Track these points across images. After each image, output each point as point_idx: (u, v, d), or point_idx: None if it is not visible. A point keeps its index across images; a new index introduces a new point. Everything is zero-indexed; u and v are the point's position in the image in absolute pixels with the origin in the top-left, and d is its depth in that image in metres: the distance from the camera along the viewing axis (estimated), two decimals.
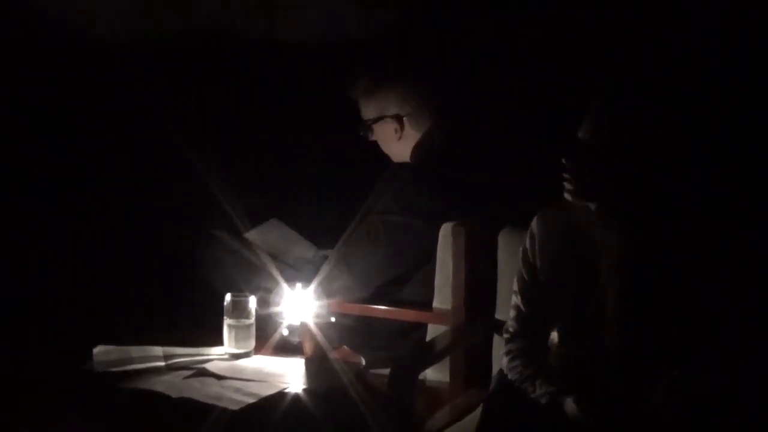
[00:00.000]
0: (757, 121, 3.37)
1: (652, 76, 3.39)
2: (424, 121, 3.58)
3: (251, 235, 3.70)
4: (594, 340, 2.70)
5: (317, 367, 2.95)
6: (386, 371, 2.91)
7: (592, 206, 2.68)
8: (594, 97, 2.67)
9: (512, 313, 2.87)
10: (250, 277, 3.57)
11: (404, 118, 3.56)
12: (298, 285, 3.27)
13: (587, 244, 2.72)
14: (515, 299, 2.87)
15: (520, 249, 2.87)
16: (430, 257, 3.42)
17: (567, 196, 2.68)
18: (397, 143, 3.61)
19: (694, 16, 3.52)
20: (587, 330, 2.71)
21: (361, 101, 3.62)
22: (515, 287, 2.87)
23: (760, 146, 3.37)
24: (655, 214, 2.67)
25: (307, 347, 3.03)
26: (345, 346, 3.13)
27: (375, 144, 3.69)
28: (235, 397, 2.76)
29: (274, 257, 3.66)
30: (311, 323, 3.04)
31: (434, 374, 3.35)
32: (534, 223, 2.85)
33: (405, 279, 3.52)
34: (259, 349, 3.15)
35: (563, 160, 2.65)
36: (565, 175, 2.66)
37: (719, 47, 3.46)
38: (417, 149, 3.58)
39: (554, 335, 2.83)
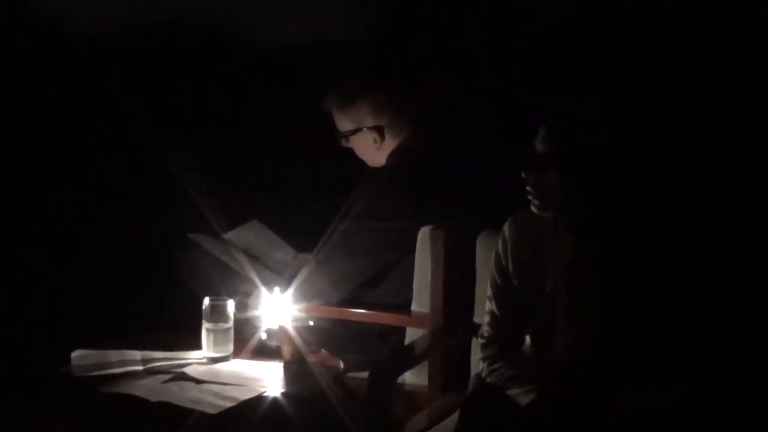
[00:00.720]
0: (720, 128, 3.39)
1: (605, 85, 3.42)
2: (402, 129, 3.57)
3: (230, 235, 3.70)
4: (560, 345, 2.71)
5: (296, 371, 2.95)
6: (365, 375, 2.91)
7: (559, 217, 2.70)
8: (548, 107, 2.69)
9: (487, 318, 2.88)
10: (229, 280, 3.57)
11: (384, 129, 3.56)
12: (277, 289, 3.27)
13: (551, 250, 2.74)
14: (489, 304, 2.88)
15: (493, 254, 2.88)
16: (405, 260, 3.43)
17: (533, 209, 2.70)
18: (376, 152, 3.60)
19: (655, 22, 3.54)
20: (552, 336, 2.72)
21: (335, 115, 3.61)
22: (489, 292, 2.89)
23: (721, 154, 3.38)
24: (614, 221, 2.69)
25: (286, 351, 3.04)
26: (323, 350, 3.13)
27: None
28: (214, 401, 2.76)
29: (253, 259, 3.67)
30: (290, 327, 3.05)
31: (413, 378, 3.35)
32: (505, 228, 2.86)
33: (377, 280, 3.52)
34: (237, 352, 3.15)
35: (522, 174, 2.67)
36: (528, 188, 2.67)
37: (679, 51, 3.47)
38: (394, 154, 3.58)
39: (527, 342, 2.84)
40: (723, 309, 2.87)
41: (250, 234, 3.70)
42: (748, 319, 3.08)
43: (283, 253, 3.75)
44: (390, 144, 3.58)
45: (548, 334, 2.76)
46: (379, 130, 3.56)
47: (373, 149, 3.59)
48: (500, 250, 2.84)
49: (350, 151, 3.67)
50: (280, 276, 3.63)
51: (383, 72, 3.72)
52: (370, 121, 3.56)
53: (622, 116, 2.72)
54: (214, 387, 2.87)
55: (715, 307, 2.79)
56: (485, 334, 2.86)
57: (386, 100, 3.56)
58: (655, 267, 2.65)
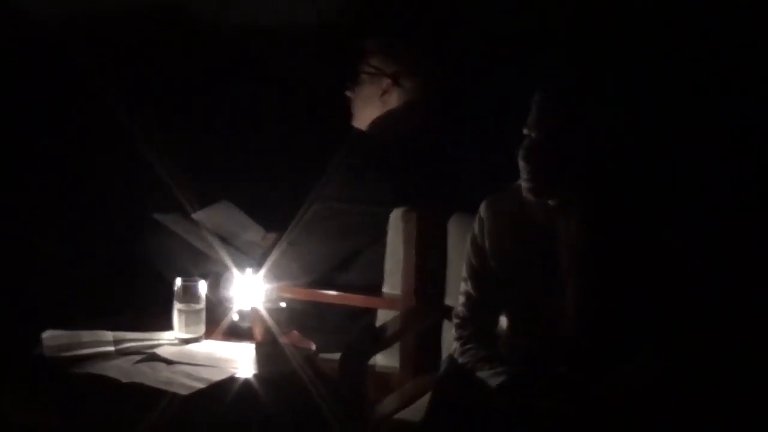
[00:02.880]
0: (713, 112, 3.40)
1: (594, 68, 3.43)
2: (407, 98, 3.61)
3: (199, 215, 3.69)
4: (545, 328, 2.72)
5: (267, 352, 2.94)
6: (337, 356, 2.92)
7: (552, 202, 2.70)
8: (542, 89, 2.69)
9: (462, 299, 2.88)
10: (198, 261, 3.56)
11: (397, 84, 3.59)
12: (248, 270, 3.27)
13: (542, 233, 2.73)
14: (465, 285, 2.88)
15: (470, 235, 2.89)
16: (376, 242, 3.43)
17: (526, 194, 2.70)
18: (375, 105, 3.63)
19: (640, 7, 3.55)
20: (538, 318, 2.73)
21: (371, 51, 3.66)
22: (464, 273, 2.89)
23: (718, 139, 3.39)
24: (616, 207, 2.70)
25: (258, 332, 3.03)
26: (295, 331, 3.13)
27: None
28: (185, 382, 2.75)
29: (223, 240, 3.66)
30: (261, 308, 3.05)
31: (384, 360, 3.36)
32: (482, 208, 2.86)
33: (348, 263, 3.53)
34: (209, 334, 3.15)
35: (518, 160, 2.67)
36: (523, 174, 2.67)
37: (662, 35, 3.48)
38: (383, 124, 3.60)
39: (503, 322, 2.85)
40: (712, 302, 2.90)
41: (219, 214, 3.70)
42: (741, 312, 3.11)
43: (253, 233, 3.75)
44: (390, 105, 3.62)
45: (527, 316, 2.77)
46: (394, 82, 3.60)
47: (375, 99, 3.63)
48: (476, 231, 2.84)
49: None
50: (250, 257, 3.63)
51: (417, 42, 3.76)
52: (391, 70, 3.60)
53: (618, 103, 2.74)
54: (185, 368, 2.86)
55: (705, 299, 2.81)
56: (460, 315, 2.86)
57: (415, 60, 3.64)
58: (642, 253, 2.67)
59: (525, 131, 2.66)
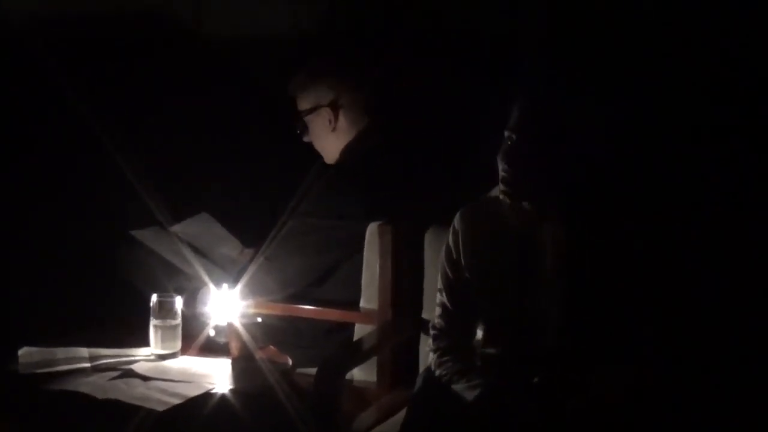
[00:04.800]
0: (695, 114, 3.41)
1: (574, 70, 3.44)
2: (358, 115, 3.59)
3: (177, 228, 3.68)
4: (520, 338, 2.72)
5: (244, 367, 2.95)
6: (313, 371, 2.92)
7: (527, 205, 2.71)
8: (518, 95, 2.70)
9: (438, 311, 2.88)
10: (174, 276, 3.56)
11: (339, 110, 3.58)
12: (225, 285, 3.27)
13: (516, 242, 2.74)
14: (440, 297, 2.88)
15: (444, 246, 2.89)
16: (353, 257, 3.44)
17: (502, 197, 2.70)
18: (331, 137, 3.61)
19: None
20: (513, 328, 2.74)
21: (298, 96, 3.63)
22: (440, 284, 2.89)
23: (699, 143, 3.40)
24: (592, 212, 2.71)
25: (234, 347, 3.03)
26: (272, 346, 3.13)
27: (303, 143, 3.69)
28: (161, 398, 2.76)
29: (199, 254, 3.65)
30: (238, 323, 3.05)
31: (361, 374, 3.35)
32: (456, 219, 2.86)
33: (324, 278, 3.53)
34: (185, 349, 3.15)
35: (498, 161, 2.68)
36: (502, 176, 2.68)
37: (646, 38, 3.50)
38: (348, 148, 3.59)
39: (479, 334, 2.85)
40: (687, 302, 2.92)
41: (197, 227, 3.69)
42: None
43: (230, 247, 3.74)
44: (345, 130, 3.59)
45: (502, 326, 2.77)
46: (334, 108, 3.57)
47: (328, 131, 3.60)
48: (451, 242, 2.84)
49: (301, 146, 3.68)
50: (226, 272, 3.62)
51: (342, 54, 3.74)
52: (326, 99, 3.58)
53: (598, 107, 2.75)
54: (161, 384, 2.86)
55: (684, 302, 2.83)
56: (436, 326, 2.86)
57: (345, 79, 3.59)
58: (619, 261, 2.68)
59: (506, 133, 2.67)
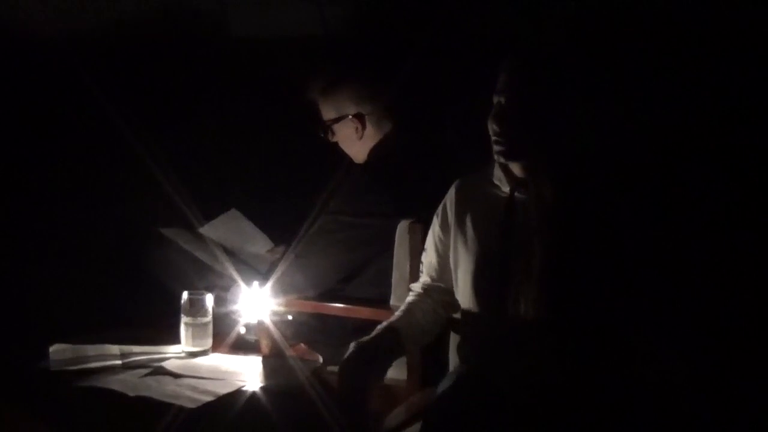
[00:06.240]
0: (686, 85, 3.40)
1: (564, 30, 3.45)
2: (385, 120, 3.58)
3: (205, 230, 3.69)
4: (503, 309, 2.72)
5: (274, 365, 2.95)
6: None
7: (522, 164, 2.72)
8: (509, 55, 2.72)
9: (422, 268, 3.02)
10: (205, 275, 3.56)
11: (365, 117, 3.57)
12: (255, 283, 3.27)
13: (506, 213, 2.75)
14: (425, 256, 3.00)
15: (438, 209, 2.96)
16: (383, 255, 3.43)
17: (498, 158, 2.73)
18: (359, 143, 3.60)
19: None
20: (496, 299, 2.74)
21: (320, 102, 3.62)
22: (426, 243, 2.99)
23: (689, 114, 3.39)
24: (583, 176, 2.73)
25: (264, 345, 3.03)
26: (302, 344, 3.13)
27: (331, 142, 3.69)
28: (192, 396, 2.75)
29: (229, 253, 3.66)
30: (268, 321, 3.05)
31: (391, 372, 3.34)
32: (453, 187, 2.94)
33: (354, 275, 3.52)
34: (216, 347, 3.15)
35: (488, 126, 2.70)
36: (494, 138, 2.70)
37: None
38: (376, 149, 3.59)
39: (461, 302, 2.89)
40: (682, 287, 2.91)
41: (226, 225, 3.69)
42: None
43: (260, 245, 3.75)
44: (372, 135, 3.58)
45: (498, 298, 2.76)
46: (360, 118, 3.56)
47: (355, 139, 3.60)
48: (447, 204, 2.94)
49: (329, 144, 3.67)
50: (256, 270, 3.62)
51: (364, 61, 3.73)
52: (352, 109, 3.56)
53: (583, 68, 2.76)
54: (192, 381, 2.86)
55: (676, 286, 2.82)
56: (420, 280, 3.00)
57: (367, 87, 3.58)
58: (616, 232, 2.69)
59: (495, 98, 2.70)
